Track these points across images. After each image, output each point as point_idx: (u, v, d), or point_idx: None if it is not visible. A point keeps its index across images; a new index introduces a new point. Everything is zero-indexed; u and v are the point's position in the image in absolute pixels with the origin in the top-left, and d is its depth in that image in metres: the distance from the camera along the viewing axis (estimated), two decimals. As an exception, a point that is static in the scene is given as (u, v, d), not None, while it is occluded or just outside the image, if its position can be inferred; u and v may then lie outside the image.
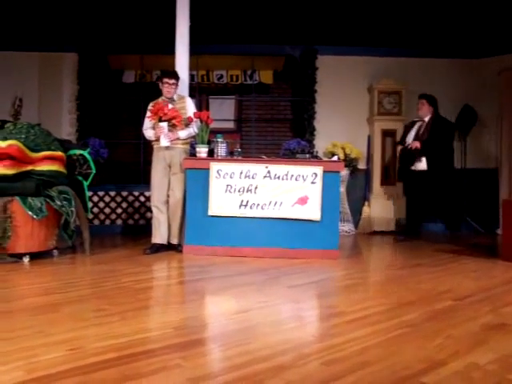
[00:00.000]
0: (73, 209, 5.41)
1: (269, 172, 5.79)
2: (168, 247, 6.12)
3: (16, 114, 8.43)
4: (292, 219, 5.78)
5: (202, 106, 8.91)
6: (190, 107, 6.15)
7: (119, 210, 8.13)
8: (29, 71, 8.66)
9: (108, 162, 8.08)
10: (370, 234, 8.38)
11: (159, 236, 6.06)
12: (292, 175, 5.77)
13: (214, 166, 5.81)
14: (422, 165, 7.09)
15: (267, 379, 2.26)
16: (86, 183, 6.06)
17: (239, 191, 5.80)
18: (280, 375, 2.30)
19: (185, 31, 6.48)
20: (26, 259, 5.17)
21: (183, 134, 6.01)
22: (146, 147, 6.91)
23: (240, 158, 6.06)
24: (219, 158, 5.97)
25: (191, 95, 6.66)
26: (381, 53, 8.83)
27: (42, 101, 8.71)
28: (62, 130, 8.49)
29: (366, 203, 8.70)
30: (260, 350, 2.63)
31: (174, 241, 6.11)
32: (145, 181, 6.61)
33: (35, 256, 5.28)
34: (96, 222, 8.03)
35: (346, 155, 8.26)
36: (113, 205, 8.12)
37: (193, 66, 7.76)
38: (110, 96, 8.99)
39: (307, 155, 6.14)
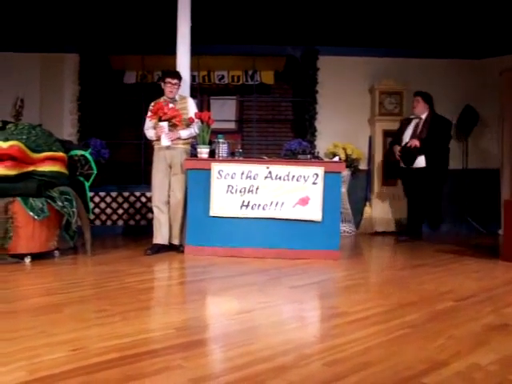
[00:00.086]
0: (74, 209, 5.41)
1: (270, 173, 5.79)
2: (169, 248, 6.12)
3: (17, 115, 8.43)
4: (293, 220, 5.78)
5: (203, 106, 8.91)
6: (191, 108, 6.15)
7: (120, 211, 8.14)
8: (30, 72, 8.66)
9: (109, 163, 8.08)
10: (371, 235, 8.38)
11: (160, 236, 6.06)
12: (293, 176, 5.77)
13: (216, 167, 5.81)
14: (420, 162, 7.05)
15: (269, 380, 2.26)
16: (87, 184, 6.06)
17: (240, 192, 5.81)
18: (281, 376, 2.30)
19: (186, 32, 6.48)
20: (27, 260, 5.17)
21: (184, 133, 6.02)
22: (147, 148, 6.93)
23: (241, 158, 6.06)
24: (220, 158, 5.97)
25: (192, 96, 6.66)
26: (382, 53, 8.82)
27: (43, 101, 8.72)
28: (63, 131, 8.49)
29: (367, 204, 8.70)
30: (261, 351, 2.63)
31: (175, 241, 6.11)
32: (146, 181, 6.62)
33: (36, 257, 5.28)
34: (97, 222, 8.04)
35: (347, 156, 8.26)
36: (114, 205, 8.12)
37: (194, 67, 7.76)
38: (111, 97, 8.99)
39: (308, 156, 6.14)
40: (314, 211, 5.74)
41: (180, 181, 6.02)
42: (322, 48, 8.79)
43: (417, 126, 7.24)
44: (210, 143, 6.08)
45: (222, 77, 9.06)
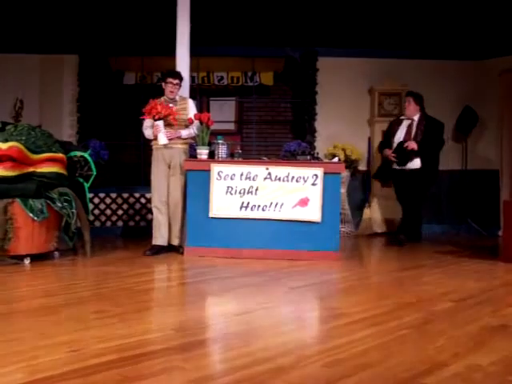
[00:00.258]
0: (73, 210, 5.41)
1: (269, 174, 5.79)
2: (168, 248, 6.11)
3: (17, 116, 8.42)
4: (293, 221, 5.78)
5: (202, 107, 8.91)
6: (191, 109, 6.16)
7: (120, 212, 8.13)
8: (30, 73, 8.66)
9: (109, 164, 8.08)
10: (370, 236, 8.38)
11: (160, 237, 6.05)
12: (293, 177, 5.77)
13: (215, 168, 5.81)
14: (415, 164, 6.91)
15: (268, 381, 2.25)
16: (86, 185, 6.06)
17: (240, 193, 5.81)
18: (281, 377, 2.30)
19: (185, 33, 6.48)
20: (26, 261, 5.17)
21: (184, 132, 6.03)
22: (147, 149, 6.94)
23: (241, 159, 6.06)
24: (220, 159, 5.98)
25: (192, 97, 6.66)
26: (381, 54, 8.82)
27: (42, 103, 8.71)
28: (62, 132, 8.49)
29: (367, 205, 8.69)
30: (261, 352, 2.63)
31: (175, 242, 6.11)
32: (145, 182, 6.63)
33: (36, 258, 5.28)
34: (97, 223, 8.03)
35: (346, 157, 8.26)
36: (113, 206, 8.12)
37: (193, 68, 7.76)
38: (111, 98, 8.98)
39: (308, 157, 6.15)
40: (313, 212, 5.74)
41: (179, 181, 6.02)
42: (321, 49, 8.79)
43: (409, 127, 7.07)
44: (210, 144, 6.09)
45: (222, 78, 9.06)
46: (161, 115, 5.76)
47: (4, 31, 8.03)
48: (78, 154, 6.02)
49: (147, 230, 6.82)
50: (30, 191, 5.18)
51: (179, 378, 2.27)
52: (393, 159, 6.98)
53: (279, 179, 5.79)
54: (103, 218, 8.09)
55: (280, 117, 9.41)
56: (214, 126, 6.20)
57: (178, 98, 6.14)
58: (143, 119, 6.04)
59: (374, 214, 8.64)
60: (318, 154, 6.67)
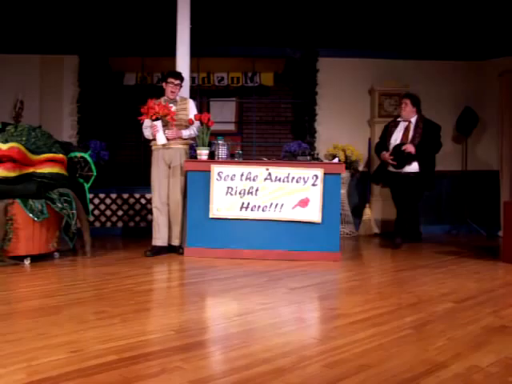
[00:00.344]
0: (74, 211, 5.41)
1: (270, 174, 5.79)
2: (168, 249, 6.11)
3: (17, 117, 8.43)
4: (293, 221, 5.78)
5: (202, 108, 8.91)
6: (191, 109, 6.16)
7: (120, 212, 8.13)
8: (30, 73, 8.66)
9: (109, 165, 8.08)
10: (370, 236, 8.37)
11: (160, 238, 6.05)
12: (293, 177, 5.77)
13: (215, 168, 5.81)
14: (414, 167, 6.79)
15: (268, 382, 2.25)
16: (87, 185, 6.07)
17: (240, 193, 5.80)
18: (281, 378, 2.30)
19: (185, 33, 6.48)
20: (26, 261, 5.17)
21: (185, 133, 6.03)
22: (147, 149, 6.95)
23: (241, 160, 6.06)
24: (220, 160, 5.98)
25: (192, 97, 6.66)
26: (382, 55, 8.82)
27: (43, 103, 8.71)
28: (63, 133, 8.50)
29: (367, 205, 8.69)
30: (261, 353, 2.63)
31: (176, 242, 6.11)
32: (145, 183, 6.63)
33: (36, 258, 5.28)
34: (97, 224, 8.03)
35: (346, 157, 8.26)
36: (114, 207, 8.12)
37: (194, 69, 7.77)
38: (111, 98, 8.98)
39: (308, 157, 6.15)
40: (313, 213, 5.74)
41: (179, 182, 6.02)
42: (321, 50, 8.79)
43: (406, 129, 6.94)
44: (210, 145, 6.09)
45: (222, 78, 9.06)
46: (158, 115, 5.76)
47: (4, 31, 8.03)
48: (79, 154, 6.03)
49: (147, 231, 6.82)
50: (30, 192, 5.18)
51: (179, 379, 2.27)
52: (391, 162, 6.85)
53: (279, 180, 5.79)
54: (103, 219, 8.09)
55: (280, 117, 9.40)
56: (214, 127, 6.20)
57: (178, 98, 6.14)
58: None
59: (374, 214, 8.64)
60: (318, 154, 6.68)
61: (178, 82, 6.06)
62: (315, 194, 5.74)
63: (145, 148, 8.37)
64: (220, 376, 2.34)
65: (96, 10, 7.33)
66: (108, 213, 8.10)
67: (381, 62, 8.85)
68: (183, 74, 6.23)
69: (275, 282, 4.57)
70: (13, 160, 5.03)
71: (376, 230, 8.57)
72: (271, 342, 2.81)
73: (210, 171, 5.81)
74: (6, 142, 5.04)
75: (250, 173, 5.81)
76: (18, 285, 4.39)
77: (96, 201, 8.03)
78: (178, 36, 6.51)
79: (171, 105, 6.02)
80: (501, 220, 7.69)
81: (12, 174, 5.04)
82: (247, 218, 5.81)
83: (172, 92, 6.05)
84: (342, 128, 8.79)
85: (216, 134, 6.75)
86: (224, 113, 9.27)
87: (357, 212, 8.66)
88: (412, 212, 7.07)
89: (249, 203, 5.80)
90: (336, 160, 6.45)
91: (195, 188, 5.88)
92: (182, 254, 5.96)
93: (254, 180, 5.80)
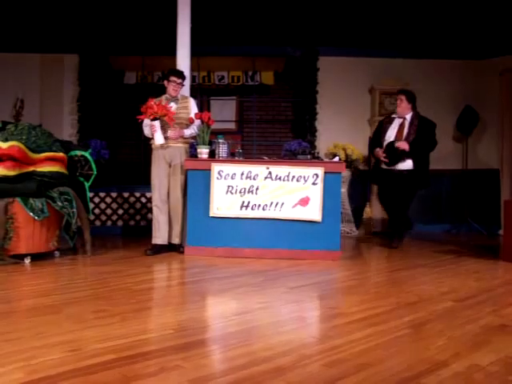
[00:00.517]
0: (74, 210, 5.41)
1: (270, 173, 5.79)
2: (169, 247, 6.11)
3: (17, 115, 8.44)
4: (293, 220, 5.78)
5: (203, 107, 8.91)
6: (193, 108, 6.16)
7: (120, 211, 8.13)
8: (30, 72, 8.66)
9: (109, 163, 8.08)
10: (371, 235, 8.37)
11: (160, 237, 6.05)
12: (293, 176, 5.77)
13: (216, 167, 5.81)
14: (406, 164, 6.63)
15: (268, 380, 2.25)
16: (87, 184, 6.07)
17: (240, 192, 5.80)
18: (281, 376, 2.30)
19: (186, 32, 6.48)
20: (27, 260, 5.17)
21: (187, 132, 6.03)
22: (147, 148, 6.94)
23: (241, 158, 6.06)
24: (220, 158, 5.97)
25: (192, 96, 6.65)
26: (382, 54, 8.82)
27: (43, 102, 8.72)
28: (63, 131, 8.50)
29: (368, 204, 8.69)
30: (261, 352, 2.63)
31: (176, 241, 6.10)
32: (146, 182, 6.63)
33: (36, 257, 5.28)
34: (97, 223, 8.03)
35: (347, 156, 8.25)
36: (114, 206, 8.11)
37: (194, 67, 7.76)
38: (111, 97, 8.98)
39: (308, 156, 6.14)
40: (313, 211, 5.74)
41: (180, 181, 6.02)
42: (322, 48, 8.79)
43: (401, 126, 6.75)
44: (210, 144, 6.08)
45: (222, 77, 9.06)
46: (157, 115, 5.75)
47: (4, 30, 8.03)
48: (79, 153, 6.03)
49: (147, 230, 6.82)
50: (30, 190, 5.18)
51: (178, 378, 2.27)
52: (383, 159, 6.71)
53: (280, 178, 5.79)
54: (104, 218, 8.09)
55: (280, 116, 9.40)
56: (214, 126, 6.20)
57: (179, 96, 6.13)
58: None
59: (374, 213, 8.63)
60: (318, 153, 6.66)
61: (180, 80, 6.06)
62: (315, 193, 5.74)
63: (145, 147, 8.37)
64: (220, 375, 2.34)
65: (96, 9, 7.33)
66: (108, 211, 8.10)
67: (381, 61, 8.85)
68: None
69: (275, 281, 4.57)
70: (13, 159, 5.02)
71: (376, 229, 8.56)
72: (271, 341, 2.81)
73: (210, 170, 5.80)
74: (6, 140, 5.04)
75: (250, 172, 5.80)
76: (18, 283, 4.39)
77: (96, 199, 8.03)
78: (178, 35, 6.51)
79: (172, 103, 6.02)
80: (501, 219, 7.69)
81: (12, 173, 5.04)
82: (247, 216, 5.80)
83: (174, 90, 6.05)
84: (342, 127, 8.79)
85: (216, 133, 6.75)
86: (224, 111, 9.27)
87: (357, 211, 8.65)
88: (405, 213, 6.95)
89: (249, 202, 5.79)
90: (336, 159, 6.44)
91: (195, 187, 5.88)
92: (182, 252, 5.96)
93: (254, 179, 5.80)
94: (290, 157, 6.71)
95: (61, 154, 5.56)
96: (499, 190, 8.64)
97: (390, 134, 6.73)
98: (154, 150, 6.07)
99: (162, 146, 5.93)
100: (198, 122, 6.00)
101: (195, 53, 6.91)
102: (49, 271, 4.91)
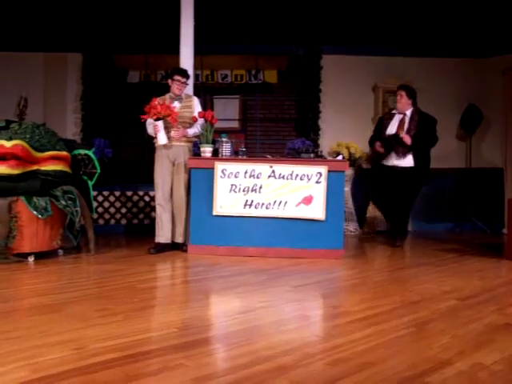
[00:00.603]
0: (77, 208, 5.41)
1: (273, 171, 5.79)
2: (172, 246, 6.11)
3: (21, 114, 8.45)
4: (297, 219, 5.77)
5: (206, 105, 8.90)
6: (196, 107, 6.15)
7: (124, 210, 8.14)
8: (33, 71, 8.67)
9: (113, 162, 8.09)
10: (374, 234, 8.36)
11: (163, 235, 6.05)
12: (297, 175, 5.76)
13: (219, 166, 5.81)
14: (407, 162, 6.60)
15: (270, 379, 2.25)
16: (90, 183, 6.07)
17: (244, 191, 5.80)
18: (283, 375, 2.30)
19: (189, 31, 6.49)
20: (30, 259, 5.18)
21: (191, 131, 6.04)
22: (151, 146, 6.93)
23: (245, 157, 6.06)
24: (224, 157, 5.97)
25: (196, 95, 6.65)
26: (385, 52, 8.80)
27: (46, 101, 8.73)
28: (66, 130, 8.51)
29: (371, 203, 8.67)
30: (263, 350, 2.62)
31: (179, 239, 6.11)
32: (149, 180, 6.63)
33: (40, 256, 5.29)
34: (101, 221, 8.04)
35: (350, 154, 8.24)
36: (117, 204, 8.12)
37: (197, 66, 7.77)
38: (115, 96, 8.99)
39: (312, 155, 6.13)
40: (317, 210, 5.73)
41: (183, 179, 6.02)
42: (325, 47, 8.78)
43: (402, 122, 6.70)
44: (214, 142, 6.08)
45: (226, 76, 9.06)
46: (160, 115, 5.74)
47: (8, 29, 8.04)
48: (82, 151, 6.03)
49: (151, 228, 6.82)
50: (34, 189, 5.19)
51: (181, 376, 2.27)
52: (378, 149, 6.69)
53: (283, 177, 5.78)
54: (107, 216, 8.10)
55: (284, 115, 9.40)
56: (217, 124, 6.20)
57: (183, 95, 6.13)
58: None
59: (377, 212, 8.61)
60: (321, 151, 6.65)
61: (184, 79, 6.05)
62: (319, 192, 5.73)
63: (148, 145, 8.36)
64: (223, 373, 2.34)
65: (99, 8, 7.33)
66: (112, 210, 8.11)
67: (384, 60, 8.83)
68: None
69: (278, 280, 4.57)
70: (17, 157, 5.03)
71: (380, 228, 8.55)
72: (274, 340, 2.80)
73: (213, 168, 5.81)
74: (10, 139, 5.04)
75: (253, 170, 5.80)
76: (21, 282, 4.40)
77: (100, 198, 8.04)
78: (181, 33, 6.51)
79: (176, 102, 6.02)
80: (505, 217, 7.67)
81: (16, 172, 5.05)
82: (251, 215, 5.80)
83: (179, 89, 6.04)
84: (345, 125, 8.77)
85: (220, 132, 6.75)
86: (228, 110, 9.26)
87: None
88: (408, 212, 6.93)
89: (252, 201, 5.79)
90: (340, 157, 6.43)
91: (199, 185, 5.88)
92: (185, 251, 5.96)
93: (257, 177, 5.80)
94: (294, 155, 6.71)
95: (64, 153, 5.56)
96: (503, 188, 8.62)
97: (391, 130, 6.70)
98: (157, 148, 6.07)
99: (165, 146, 5.93)
100: (201, 120, 6.00)
101: (198, 51, 6.92)
102: (52, 270, 4.91)
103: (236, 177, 5.80)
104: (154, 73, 9.00)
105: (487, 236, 8.17)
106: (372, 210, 8.60)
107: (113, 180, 8.25)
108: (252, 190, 5.80)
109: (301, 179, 5.76)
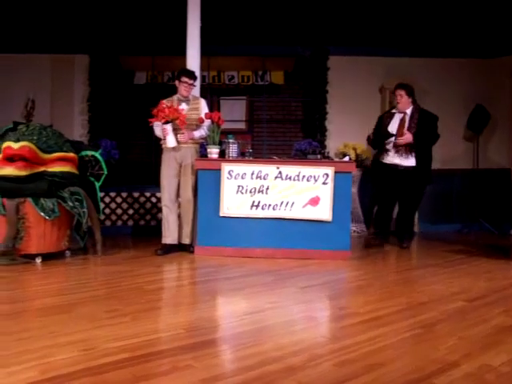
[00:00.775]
0: (85, 210, 5.43)
1: (280, 173, 5.79)
2: (179, 247, 6.12)
3: (28, 116, 8.48)
4: (303, 220, 5.77)
5: (213, 106, 8.91)
6: (203, 109, 6.15)
7: (131, 211, 8.15)
8: (41, 73, 8.69)
9: (119, 163, 8.10)
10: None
11: (170, 236, 6.06)
12: (303, 176, 5.77)
13: (226, 167, 5.81)
14: (410, 161, 6.52)
15: (279, 380, 2.26)
16: (97, 184, 6.08)
17: (250, 192, 5.80)
18: (291, 376, 2.30)
19: (196, 32, 6.49)
20: (38, 260, 5.20)
21: (197, 134, 6.05)
22: (158, 148, 6.96)
23: (251, 158, 6.06)
24: (230, 158, 5.98)
25: (202, 96, 6.67)
26: (392, 53, 8.79)
27: (53, 102, 8.75)
28: (73, 132, 8.52)
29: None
30: (271, 351, 2.63)
31: (186, 241, 6.11)
32: (156, 182, 6.64)
33: (47, 257, 5.30)
34: (108, 222, 8.06)
35: (357, 156, 8.22)
36: (124, 206, 8.14)
37: (204, 67, 7.78)
38: (122, 97, 9.01)
39: (318, 156, 6.13)
40: (324, 211, 5.73)
41: (190, 181, 6.02)
42: (331, 48, 8.77)
43: (402, 121, 6.63)
44: (220, 143, 6.08)
45: (232, 77, 9.07)
46: (168, 118, 5.75)
47: (15, 32, 8.07)
48: (89, 153, 6.05)
49: (158, 229, 6.83)
50: (41, 190, 5.21)
51: (190, 377, 2.27)
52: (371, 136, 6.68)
53: (290, 178, 5.78)
54: (114, 217, 8.12)
55: (291, 116, 9.40)
56: (224, 125, 6.21)
57: (190, 97, 6.14)
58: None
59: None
60: (328, 152, 6.66)
61: (191, 81, 6.05)
62: (326, 193, 5.73)
63: (155, 147, 8.38)
64: (231, 374, 2.34)
65: (106, 10, 7.35)
66: (119, 211, 8.13)
67: (391, 60, 8.82)
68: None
69: (285, 281, 4.57)
70: (24, 159, 5.05)
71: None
72: (281, 341, 2.81)
73: (220, 170, 5.81)
74: (17, 141, 5.07)
75: (260, 171, 5.81)
76: (29, 283, 4.41)
77: (107, 199, 8.06)
78: (188, 35, 6.51)
79: (184, 104, 6.02)
80: (513, 218, 7.66)
81: (23, 173, 5.07)
82: (257, 216, 5.80)
83: (186, 91, 6.05)
84: (352, 126, 8.75)
85: (226, 133, 6.76)
86: (234, 111, 9.27)
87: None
88: (414, 212, 6.90)
89: (259, 202, 5.80)
90: (346, 158, 6.43)
91: (206, 186, 5.88)
92: (192, 252, 5.97)
93: (264, 178, 5.80)
94: (300, 156, 6.69)
95: (71, 154, 5.58)
96: (510, 189, 8.58)
97: (392, 129, 6.63)
98: (164, 150, 6.08)
99: (173, 148, 5.94)
100: (208, 122, 6.00)
101: (205, 52, 6.92)
102: (60, 271, 4.93)
103: (243, 178, 5.81)
104: (161, 74, 9.01)
105: (495, 237, 8.14)
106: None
107: (120, 181, 8.27)
108: (259, 191, 5.81)
109: (307, 180, 5.76)
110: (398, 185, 6.61)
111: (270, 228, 5.82)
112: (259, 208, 5.79)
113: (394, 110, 6.85)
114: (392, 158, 6.61)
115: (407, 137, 6.44)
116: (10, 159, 5.04)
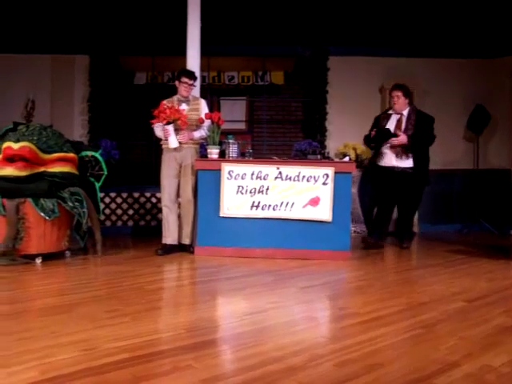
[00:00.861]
0: (85, 210, 5.43)
1: (280, 173, 5.79)
2: (179, 247, 6.12)
3: (28, 116, 8.47)
4: (303, 220, 5.77)
5: (213, 107, 8.91)
6: (203, 109, 6.15)
7: (131, 211, 8.15)
8: (41, 73, 8.69)
9: (119, 164, 8.10)
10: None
11: (170, 236, 6.06)
12: (303, 176, 5.76)
13: (226, 167, 5.81)
14: (407, 162, 6.50)
15: (279, 380, 2.26)
16: (97, 184, 6.08)
17: (251, 192, 5.80)
18: (292, 376, 2.30)
19: (196, 32, 6.49)
20: (38, 260, 5.20)
21: (197, 134, 6.04)
22: (158, 148, 6.96)
23: (251, 159, 6.06)
24: (230, 159, 5.97)
25: (202, 96, 6.67)
26: (392, 53, 8.78)
27: (54, 103, 8.75)
28: (73, 132, 8.52)
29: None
30: (272, 351, 2.63)
31: (186, 241, 6.11)
32: (156, 182, 6.64)
33: (47, 257, 5.30)
34: (108, 223, 8.06)
35: (357, 156, 8.22)
36: (124, 206, 8.14)
37: (204, 67, 7.77)
38: (122, 97, 9.01)
39: (318, 156, 6.13)
40: (324, 212, 5.73)
41: (190, 181, 6.02)
42: (332, 48, 8.77)
43: (399, 122, 6.60)
44: (220, 144, 6.08)
45: (232, 77, 9.07)
46: (170, 119, 5.75)
47: (15, 32, 8.07)
48: (89, 153, 6.05)
49: (158, 230, 6.83)
50: (41, 191, 5.21)
51: (190, 378, 2.27)
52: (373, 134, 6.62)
53: (290, 179, 5.78)
54: (114, 218, 8.12)
55: (291, 116, 9.40)
56: (224, 126, 6.20)
57: (191, 97, 6.14)
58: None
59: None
60: (328, 153, 6.65)
61: (192, 82, 6.05)
62: (326, 193, 5.73)
63: (155, 147, 8.38)
64: (231, 374, 2.34)
65: (106, 10, 7.35)
66: (119, 212, 8.13)
67: (391, 61, 8.81)
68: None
69: (285, 281, 4.57)
70: (24, 159, 5.05)
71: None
72: (282, 341, 2.81)
73: (220, 170, 5.81)
74: (17, 141, 5.07)
75: (260, 172, 5.81)
76: (30, 283, 4.41)
77: (107, 200, 8.06)
78: (188, 35, 6.51)
79: (184, 104, 6.02)
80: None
81: (23, 173, 5.07)
82: (258, 216, 5.80)
83: (186, 91, 6.05)
84: (352, 127, 8.73)
85: (226, 133, 6.75)
86: (234, 112, 9.27)
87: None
88: (413, 214, 6.91)
89: (259, 202, 5.80)
90: (347, 159, 6.43)
91: (206, 187, 5.88)
92: (192, 252, 5.97)
93: (264, 179, 5.80)
94: (300, 157, 6.69)
95: (71, 155, 5.58)
96: (511, 189, 8.59)
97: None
98: (164, 150, 6.08)
99: (174, 148, 5.94)
100: (208, 122, 6.00)
101: (205, 53, 6.92)
102: (60, 271, 4.94)
103: (243, 178, 5.80)
104: (161, 74, 9.01)
105: (495, 237, 8.14)
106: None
107: (120, 181, 8.26)
108: (259, 192, 5.80)
109: (307, 181, 5.76)
110: (396, 187, 6.60)
111: (270, 228, 5.82)
112: (259, 208, 5.79)
113: (390, 111, 6.81)
114: (389, 161, 6.60)
115: (402, 138, 6.43)
116: (10, 159, 5.04)
